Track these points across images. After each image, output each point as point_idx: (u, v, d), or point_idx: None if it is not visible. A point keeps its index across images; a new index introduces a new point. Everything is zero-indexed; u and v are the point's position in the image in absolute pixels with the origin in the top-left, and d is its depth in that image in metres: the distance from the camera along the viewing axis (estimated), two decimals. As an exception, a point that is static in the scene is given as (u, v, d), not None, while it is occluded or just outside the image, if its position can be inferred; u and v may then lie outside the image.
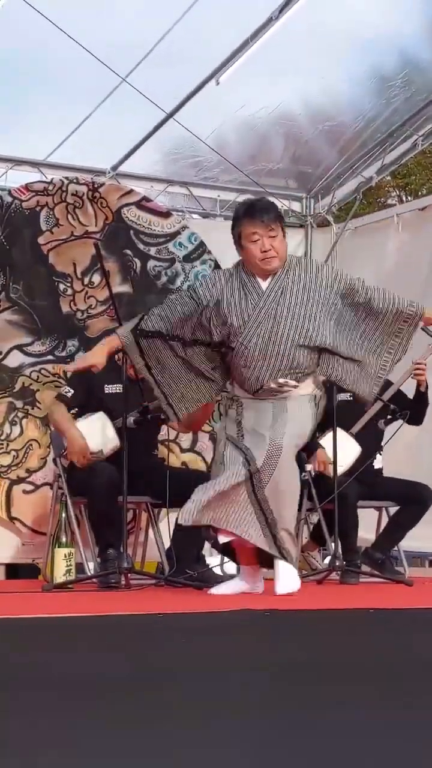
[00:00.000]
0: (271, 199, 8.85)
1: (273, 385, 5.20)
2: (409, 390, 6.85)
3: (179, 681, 2.45)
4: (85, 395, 6.40)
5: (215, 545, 5.58)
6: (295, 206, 9.21)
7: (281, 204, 8.98)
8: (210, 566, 6.34)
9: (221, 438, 5.33)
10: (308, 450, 6.86)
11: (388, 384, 6.73)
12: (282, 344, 5.22)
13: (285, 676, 2.57)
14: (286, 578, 5.15)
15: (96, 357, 5.42)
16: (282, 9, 7.31)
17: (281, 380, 5.22)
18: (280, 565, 5.16)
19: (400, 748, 1.93)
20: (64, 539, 5.68)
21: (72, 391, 6.47)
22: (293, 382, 5.23)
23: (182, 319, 5.30)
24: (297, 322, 5.22)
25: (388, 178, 18.92)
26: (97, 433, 6.22)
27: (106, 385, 6.36)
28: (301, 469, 6.83)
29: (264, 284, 5.30)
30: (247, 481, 5.08)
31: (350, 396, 6.92)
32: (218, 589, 5.35)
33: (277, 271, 5.29)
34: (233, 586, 5.38)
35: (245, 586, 5.33)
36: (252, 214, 5.33)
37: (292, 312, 5.22)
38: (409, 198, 19.45)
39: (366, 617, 4.21)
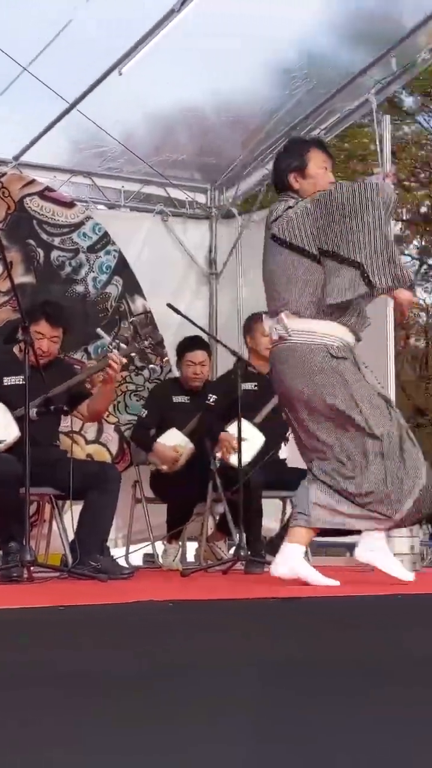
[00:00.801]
0: (176, 190, 8.94)
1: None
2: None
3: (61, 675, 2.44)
4: None
5: None
6: (200, 198, 9.22)
7: (186, 195, 9.00)
8: (114, 557, 6.31)
9: (369, 388, 5.10)
10: (212, 437, 6.89)
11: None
12: None
13: (192, 665, 2.58)
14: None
15: None
16: (184, 1, 7.29)
17: None
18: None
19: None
20: (-36, 533, 5.61)
21: None
22: None
23: None
24: None
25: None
26: (-3, 424, 6.15)
27: (4, 377, 6.29)
28: (209, 457, 6.87)
29: None
30: None
31: (255, 385, 6.98)
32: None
33: None
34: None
35: None
36: (323, 147, 5.33)
37: None
38: (313, 191, 19.51)
39: (270, 606, 4.22)
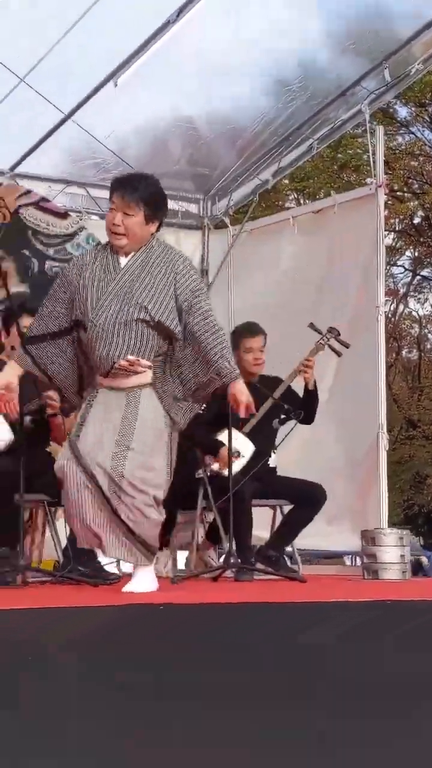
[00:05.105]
0: (170, 201, 8.98)
1: (123, 363, 5.11)
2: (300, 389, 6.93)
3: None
4: None
5: None
6: (192, 208, 9.28)
7: (178, 205, 9.05)
8: (100, 563, 6.32)
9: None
10: (210, 448, 6.91)
11: (278, 381, 6.80)
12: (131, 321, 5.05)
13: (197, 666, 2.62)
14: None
15: (5, 376, 5.17)
16: (180, 12, 7.37)
17: (131, 357, 5.06)
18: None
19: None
20: None
21: None
22: (146, 362, 5.09)
23: (65, 307, 5.19)
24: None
25: (286, 181, 19.08)
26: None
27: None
28: (201, 465, 6.90)
29: (123, 261, 5.16)
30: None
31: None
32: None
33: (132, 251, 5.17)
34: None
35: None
36: (114, 186, 5.25)
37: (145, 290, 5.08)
38: (307, 201, 19.59)
39: (259, 610, 4.27)
